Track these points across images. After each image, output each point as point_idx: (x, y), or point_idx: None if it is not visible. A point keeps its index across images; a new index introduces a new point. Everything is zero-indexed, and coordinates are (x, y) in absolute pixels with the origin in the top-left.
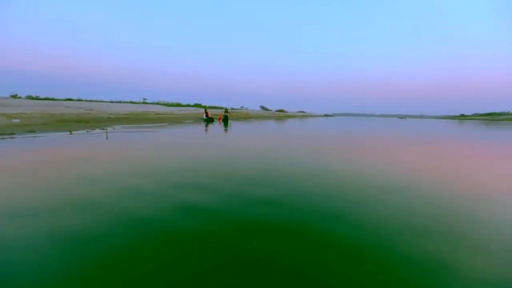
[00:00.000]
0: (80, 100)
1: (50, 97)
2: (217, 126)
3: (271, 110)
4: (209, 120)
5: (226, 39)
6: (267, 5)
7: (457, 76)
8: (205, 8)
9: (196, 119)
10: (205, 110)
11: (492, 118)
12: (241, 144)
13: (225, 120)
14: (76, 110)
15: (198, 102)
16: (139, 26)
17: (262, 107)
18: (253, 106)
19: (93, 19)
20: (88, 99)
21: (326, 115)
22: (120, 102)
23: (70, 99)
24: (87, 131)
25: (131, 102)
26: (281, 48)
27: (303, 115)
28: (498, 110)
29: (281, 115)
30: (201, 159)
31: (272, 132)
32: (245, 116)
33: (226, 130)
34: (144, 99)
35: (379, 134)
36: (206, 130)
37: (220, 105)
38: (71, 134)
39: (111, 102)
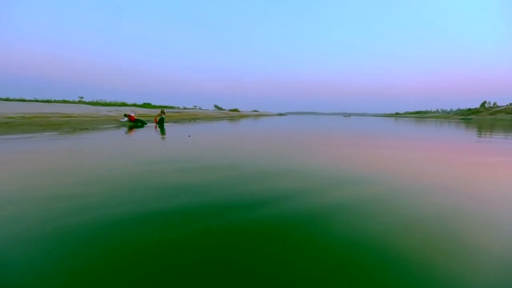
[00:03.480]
0: None
1: None
2: (139, 133)
3: (224, 110)
4: (137, 123)
5: (184, 37)
6: (222, 4)
7: (391, 77)
8: (161, 5)
9: (122, 123)
10: (124, 114)
11: (420, 115)
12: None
13: (161, 122)
14: None
15: (147, 102)
16: (78, 19)
17: (216, 106)
18: (208, 106)
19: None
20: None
21: (280, 114)
22: (24, 100)
23: None
24: None
25: (64, 101)
26: (236, 48)
27: (257, 114)
28: (424, 109)
29: (234, 115)
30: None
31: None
32: (192, 117)
33: (163, 136)
34: (81, 97)
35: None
36: (111, 140)
37: (171, 105)
38: None
39: (7, 100)
